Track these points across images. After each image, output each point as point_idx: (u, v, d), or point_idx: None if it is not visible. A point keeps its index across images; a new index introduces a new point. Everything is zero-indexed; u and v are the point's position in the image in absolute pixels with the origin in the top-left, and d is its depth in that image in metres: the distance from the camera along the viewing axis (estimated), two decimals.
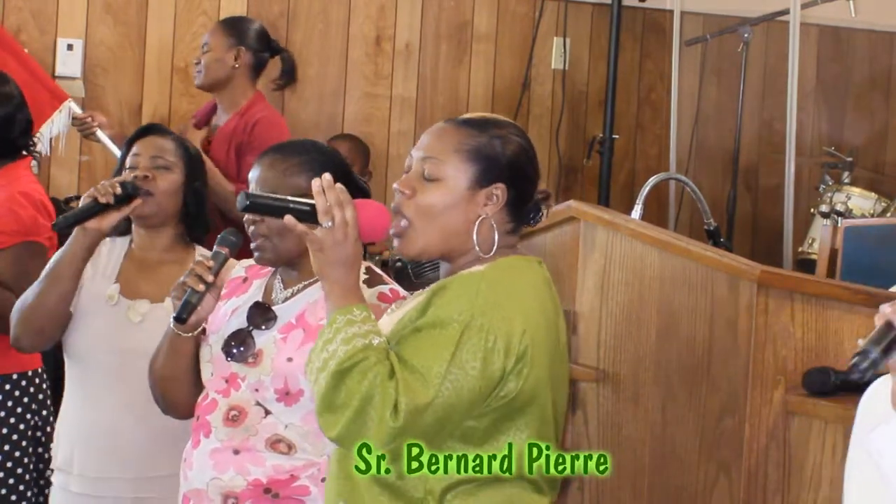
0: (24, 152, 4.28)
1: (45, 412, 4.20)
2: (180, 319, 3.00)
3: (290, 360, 2.97)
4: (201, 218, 3.66)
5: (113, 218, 3.50)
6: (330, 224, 2.57)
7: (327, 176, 2.61)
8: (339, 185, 2.61)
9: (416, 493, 2.56)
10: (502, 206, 2.66)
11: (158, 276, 3.56)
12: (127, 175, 3.58)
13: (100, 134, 5.19)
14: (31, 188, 4.16)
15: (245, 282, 3.16)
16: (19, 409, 4.14)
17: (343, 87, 6.32)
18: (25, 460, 4.13)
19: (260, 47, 5.26)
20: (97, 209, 3.50)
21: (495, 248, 2.64)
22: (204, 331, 3.10)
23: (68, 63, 5.89)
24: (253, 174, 3.09)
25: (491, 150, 2.65)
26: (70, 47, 5.89)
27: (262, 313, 3.04)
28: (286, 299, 3.06)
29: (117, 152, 5.13)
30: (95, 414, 3.54)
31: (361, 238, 2.60)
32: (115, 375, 3.50)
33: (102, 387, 3.53)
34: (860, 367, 2.28)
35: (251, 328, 3.03)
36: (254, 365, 2.99)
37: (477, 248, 2.63)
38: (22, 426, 4.13)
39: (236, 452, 2.98)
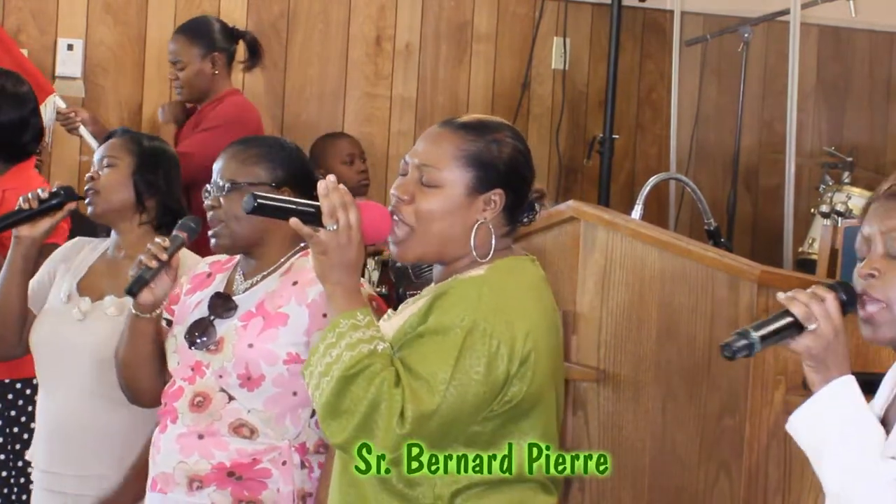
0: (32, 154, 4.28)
1: None
2: (131, 293, 3.10)
3: (250, 346, 3.06)
4: (161, 207, 3.61)
5: (45, 224, 3.55)
6: (334, 227, 2.57)
7: (332, 177, 2.62)
8: (342, 186, 2.60)
9: (426, 499, 2.56)
10: (500, 211, 2.66)
11: (121, 274, 3.53)
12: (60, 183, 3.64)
13: (82, 130, 5.19)
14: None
15: (209, 276, 3.26)
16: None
17: (343, 87, 6.32)
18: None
19: (228, 44, 5.32)
20: (23, 216, 3.53)
21: (492, 252, 2.64)
22: (169, 322, 3.21)
23: (68, 63, 5.89)
24: (216, 164, 3.21)
25: (488, 155, 2.64)
26: (70, 47, 5.89)
27: (222, 303, 3.14)
28: (246, 290, 3.16)
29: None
30: (47, 408, 3.59)
31: (364, 240, 2.60)
32: (61, 372, 3.53)
33: (53, 382, 3.58)
34: (733, 347, 2.29)
35: (213, 317, 3.13)
36: (216, 352, 3.09)
37: (474, 253, 2.63)
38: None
39: (201, 437, 3.07)
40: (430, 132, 2.70)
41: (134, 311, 3.15)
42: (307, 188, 3.18)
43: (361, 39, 6.33)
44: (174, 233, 3.18)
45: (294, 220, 2.59)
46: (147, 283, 3.09)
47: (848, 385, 2.31)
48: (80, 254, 3.67)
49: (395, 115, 6.39)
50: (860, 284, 2.33)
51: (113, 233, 3.65)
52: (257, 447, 3.05)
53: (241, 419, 3.06)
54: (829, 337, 2.30)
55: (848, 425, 2.29)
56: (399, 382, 2.47)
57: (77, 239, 3.73)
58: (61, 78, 5.83)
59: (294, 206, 2.63)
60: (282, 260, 3.16)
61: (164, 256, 3.10)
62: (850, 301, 2.34)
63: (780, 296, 2.33)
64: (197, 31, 5.28)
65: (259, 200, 2.65)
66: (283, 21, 6.20)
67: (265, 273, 3.16)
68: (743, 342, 2.29)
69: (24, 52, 5.74)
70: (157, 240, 3.14)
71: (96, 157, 3.65)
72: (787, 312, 2.31)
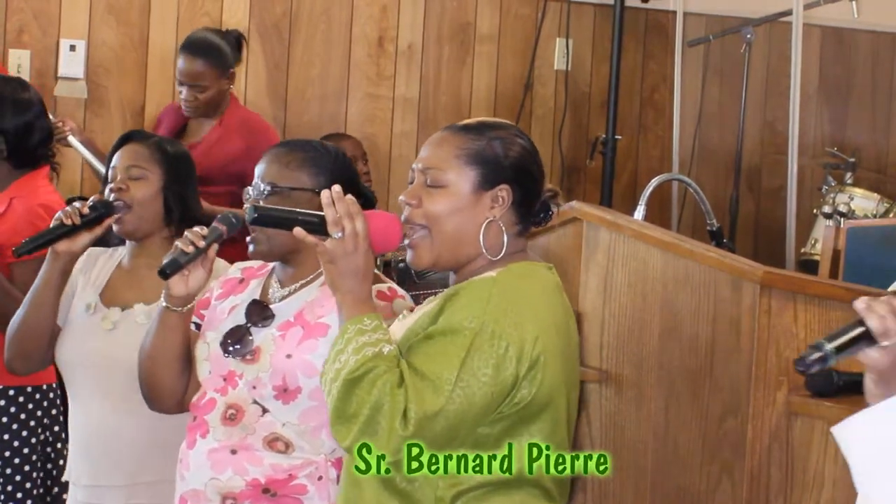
0: (43, 162, 4.24)
1: (56, 427, 4.15)
2: (163, 273, 2.96)
3: (289, 356, 2.95)
4: (189, 218, 3.52)
5: (84, 239, 3.45)
6: (340, 235, 2.57)
7: (336, 187, 2.61)
8: (349, 196, 2.61)
9: (426, 500, 2.55)
10: (509, 208, 2.66)
11: (145, 282, 3.49)
12: (98, 196, 3.52)
13: (71, 139, 5.15)
14: (51, 199, 4.10)
15: (242, 282, 3.15)
16: (32, 423, 4.10)
17: (346, 88, 6.32)
18: (34, 475, 4.10)
19: (236, 57, 5.36)
20: (64, 231, 3.43)
21: (504, 250, 2.64)
22: (198, 326, 3.10)
23: (71, 64, 5.89)
24: (258, 168, 3.08)
25: (491, 152, 2.65)
26: (73, 48, 5.90)
27: (259, 311, 3.03)
28: (283, 298, 3.06)
29: (90, 157, 5.15)
30: (84, 422, 3.53)
31: (373, 249, 2.60)
32: (95, 384, 3.47)
33: (87, 395, 3.52)
34: (807, 361, 2.22)
35: (249, 325, 3.02)
36: (252, 362, 2.98)
37: (485, 251, 2.63)
38: (34, 440, 4.10)
39: (234, 452, 2.97)
40: (432, 137, 2.72)
41: (165, 304, 3.02)
42: (352, 194, 3.09)
43: (364, 40, 6.34)
44: (213, 224, 3.04)
45: (298, 230, 2.59)
46: (181, 267, 2.96)
47: None
48: (96, 264, 3.59)
49: (397, 116, 6.39)
50: None
51: (129, 242, 3.57)
52: (293, 462, 2.95)
53: (275, 433, 2.95)
54: None
55: None
56: (402, 383, 2.47)
57: (90, 249, 3.61)
58: (64, 79, 5.84)
59: (297, 216, 2.62)
60: (321, 269, 3.07)
61: (202, 244, 2.96)
62: None
63: (858, 305, 2.26)
64: (214, 53, 5.29)
65: (260, 212, 2.63)
66: (286, 21, 6.21)
67: (303, 282, 3.06)
68: (816, 355, 2.22)
69: (27, 52, 5.76)
70: (196, 228, 3.01)
71: (119, 162, 3.53)
72: (861, 322, 2.24)
